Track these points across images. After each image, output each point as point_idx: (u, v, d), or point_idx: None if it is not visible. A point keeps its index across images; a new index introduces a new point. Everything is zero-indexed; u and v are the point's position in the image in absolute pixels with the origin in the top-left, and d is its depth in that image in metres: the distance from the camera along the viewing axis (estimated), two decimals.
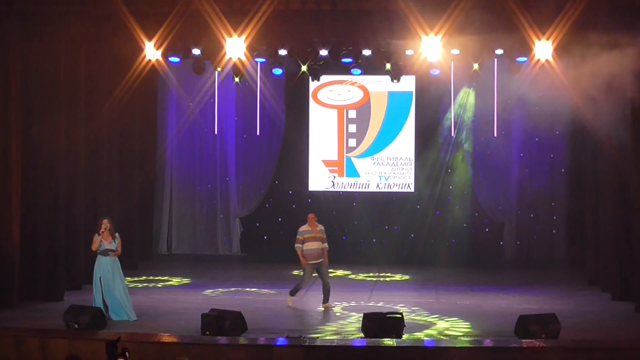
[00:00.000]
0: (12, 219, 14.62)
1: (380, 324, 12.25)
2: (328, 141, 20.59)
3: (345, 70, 16.62)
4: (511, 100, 19.07)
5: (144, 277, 17.61)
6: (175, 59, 15.51)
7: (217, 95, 19.53)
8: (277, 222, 21.13)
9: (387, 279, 17.92)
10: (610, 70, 13.83)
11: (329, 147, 20.59)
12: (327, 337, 12.33)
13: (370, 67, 16.65)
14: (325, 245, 14.77)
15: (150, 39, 14.62)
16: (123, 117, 17.84)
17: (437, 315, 14.09)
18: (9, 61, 14.59)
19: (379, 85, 20.08)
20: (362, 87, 20.39)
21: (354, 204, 20.49)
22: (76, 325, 12.38)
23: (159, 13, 14.32)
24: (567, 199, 20.04)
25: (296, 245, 14.73)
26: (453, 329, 13.23)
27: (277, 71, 16.65)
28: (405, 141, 20.41)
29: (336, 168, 20.59)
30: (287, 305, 14.58)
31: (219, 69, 16.31)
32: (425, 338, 12.47)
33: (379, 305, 14.77)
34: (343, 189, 20.60)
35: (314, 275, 14.77)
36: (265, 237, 21.21)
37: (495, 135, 18.96)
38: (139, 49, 14.82)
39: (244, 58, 15.05)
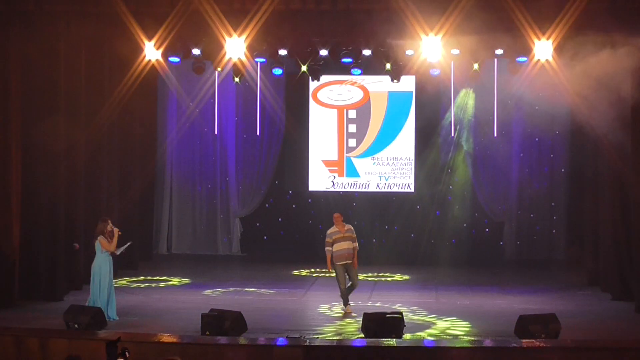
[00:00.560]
0: (12, 219, 14.62)
1: (380, 324, 12.25)
2: (328, 141, 20.59)
3: (345, 70, 16.62)
4: (511, 100, 19.07)
5: (144, 277, 17.62)
6: (175, 59, 15.52)
7: (217, 95, 19.55)
8: (277, 222, 21.15)
9: (387, 279, 17.93)
10: (610, 70, 13.83)
11: (329, 147, 20.59)
12: (327, 337, 12.34)
13: (370, 67, 16.66)
14: (355, 244, 14.42)
15: (150, 39, 14.62)
16: (123, 117, 17.83)
17: (437, 315, 14.09)
18: (9, 61, 14.59)
19: (379, 85, 20.08)
20: (362, 87, 20.40)
21: (354, 204, 20.49)
22: (76, 325, 12.38)
23: (159, 13, 14.31)
24: (567, 199, 20.04)
25: (326, 248, 14.41)
26: (453, 329, 13.24)
27: (277, 71, 16.67)
28: (405, 141, 20.42)
29: (336, 168, 20.59)
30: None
31: (219, 69, 16.32)
32: (425, 338, 12.48)
33: (379, 305, 14.76)
34: (343, 189, 20.61)
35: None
36: (265, 237, 21.22)
37: (495, 135, 18.97)
38: (139, 49, 14.82)
39: (244, 58, 15.06)
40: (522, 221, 20.52)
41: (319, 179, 20.64)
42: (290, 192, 21.19)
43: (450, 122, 19.54)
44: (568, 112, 17.33)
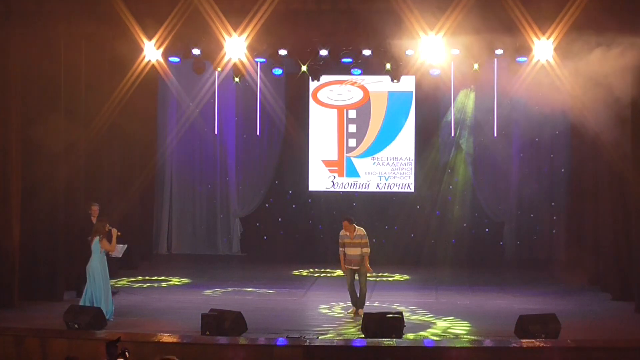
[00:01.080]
0: (12, 219, 14.62)
1: (380, 324, 12.25)
2: (328, 141, 20.59)
3: (345, 70, 16.63)
4: (511, 100, 19.08)
5: (144, 277, 17.62)
6: (175, 59, 15.53)
7: (217, 95, 19.54)
8: (277, 222, 21.15)
9: (387, 279, 17.92)
10: (610, 70, 13.83)
11: (329, 147, 20.59)
12: (327, 337, 12.34)
13: (370, 67, 16.65)
14: (365, 250, 14.13)
15: (150, 39, 14.62)
16: (123, 117, 17.82)
17: (437, 315, 14.09)
18: (9, 61, 14.58)
19: (379, 85, 20.08)
20: (362, 87, 20.40)
21: (354, 204, 20.49)
22: (76, 325, 12.38)
23: (159, 13, 14.31)
24: (567, 198, 20.03)
25: (339, 249, 14.34)
26: (453, 328, 13.24)
27: (277, 71, 16.68)
28: (405, 141, 20.41)
29: (336, 168, 20.59)
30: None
31: (219, 69, 16.32)
32: (425, 338, 12.48)
33: (379, 305, 14.75)
34: (343, 189, 20.61)
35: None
36: (265, 237, 21.21)
37: (495, 135, 18.97)
38: (139, 49, 14.83)
39: (244, 58, 15.06)
40: (522, 221, 20.52)
41: (319, 179, 20.64)
42: (290, 192, 21.19)
43: (450, 122, 19.54)
44: (568, 112, 17.32)
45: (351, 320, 13.69)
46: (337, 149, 20.58)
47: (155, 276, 17.79)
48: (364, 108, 20.50)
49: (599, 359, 11.31)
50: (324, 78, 18.61)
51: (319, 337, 12.25)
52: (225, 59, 15.13)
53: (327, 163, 20.61)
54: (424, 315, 14.17)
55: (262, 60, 16.03)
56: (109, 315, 13.25)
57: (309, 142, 20.62)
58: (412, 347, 11.63)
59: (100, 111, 16.52)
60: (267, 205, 21.26)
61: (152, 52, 14.81)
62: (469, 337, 12.65)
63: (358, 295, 14.23)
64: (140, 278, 17.54)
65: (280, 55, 15.60)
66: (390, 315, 12.48)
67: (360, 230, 14.23)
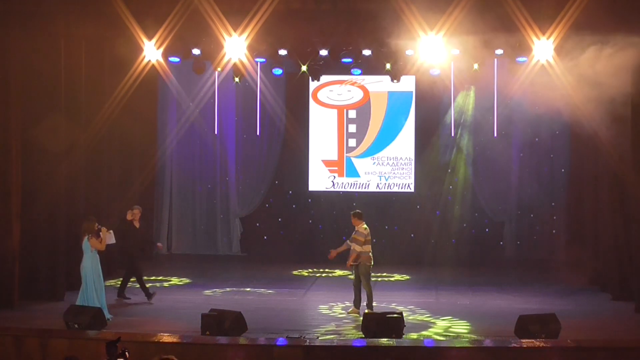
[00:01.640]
0: (12, 219, 14.62)
1: (380, 324, 12.25)
2: (328, 141, 20.59)
3: (345, 70, 16.63)
4: (511, 100, 19.07)
5: (144, 277, 17.57)
6: (175, 59, 15.53)
7: (217, 95, 19.54)
8: (277, 222, 21.14)
9: (387, 279, 17.92)
10: (610, 69, 13.83)
11: (329, 147, 20.59)
12: (327, 337, 12.34)
13: (370, 67, 16.65)
14: (354, 245, 14.20)
15: (150, 39, 14.63)
16: (123, 117, 17.81)
17: (437, 315, 14.09)
18: (9, 61, 14.58)
19: (379, 85, 20.08)
20: (362, 87, 20.39)
21: (354, 204, 20.42)
22: (76, 325, 12.38)
23: (159, 13, 14.31)
24: (567, 199, 20.03)
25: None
26: (453, 328, 13.24)
27: (277, 71, 16.67)
28: (405, 141, 20.41)
29: (336, 168, 20.59)
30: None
31: (219, 69, 16.32)
32: (425, 338, 12.48)
33: (382, 305, 14.74)
34: (343, 189, 20.61)
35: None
36: (265, 237, 21.21)
37: (495, 135, 18.97)
38: (139, 49, 14.83)
39: (244, 58, 15.07)
40: (522, 221, 20.52)
41: (319, 179, 20.64)
42: (290, 192, 21.19)
43: (450, 122, 19.55)
44: (568, 112, 17.31)
45: (351, 320, 13.69)
46: (337, 149, 20.57)
47: (155, 276, 17.78)
48: (364, 108, 20.50)
49: (599, 359, 11.31)
50: (324, 78, 18.59)
51: (319, 337, 12.25)
52: (225, 59, 15.14)
53: (327, 163, 20.61)
54: (423, 315, 14.17)
55: (262, 60, 16.03)
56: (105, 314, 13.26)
57: (309, 142, 20.62)
58: (412, 347, 11.62)
59: (100, 111, 16.53)
60: (267, 205, 21.25)
61: (152, 52, 14.82)
62: (469, 337, 12.65)
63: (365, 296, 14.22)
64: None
65: (280, 55, 15.60)
66: (390, 315, 12.48)
67: (361, 227, 14.24)
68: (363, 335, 12.29)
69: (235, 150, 21.19)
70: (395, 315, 12.49)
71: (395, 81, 16.57)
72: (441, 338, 12.54)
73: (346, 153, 20.56)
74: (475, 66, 15.57)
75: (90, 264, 13.41)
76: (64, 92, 15.36)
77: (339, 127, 20.56)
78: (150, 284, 16.89)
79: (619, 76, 13.97)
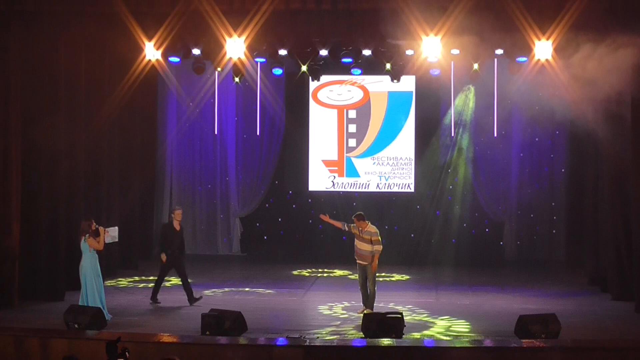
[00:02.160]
0: (12, 219, 14.62)
1: (380, 324, 12.25)
2: (328, 141, 20.59)
3: (345, 70, 16.64)
4: (511, 100, 19.07)
5: (144, 277, 17.61)
6: (175, 59, 15.52)
7: (217, 95, 19.56)
8: (277, 222, 21.15)
9: (387, 279, 17.92)
10: (610, 69, 13.83)
11: (329, 147, 20.59)
12: (327, 337, 12.34)
13: (370, 67, 16.65)
14: (376, 247, 14.05)
15: (150, 39, 14.63)
16: (123, 117, 17.84)
17: (437, 315, 14.09)
18: (9, 62, 14.58)
19: (379, 85, 20.07)
20: (362, 87, 20.39)
21: (354, 204, 20.44)
22: (76, 325, 12.38)
23: (159, 13, 14.31)
24: (567, 198, 20.02)
25: (345, 223, 14.53)
26: (453, 329, 13.24)
27: (277, 71, 16.67)
28: (405, 141, 20.41)
29: (336, 168, 20.59)
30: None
31: (219, 69, 16.32)
32: (425, 338, 12.48)
33: (380, 305, 14.75)
34: (343, 189, 20.60)
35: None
36: (265, 237, 21.21)
37: (495, 135, 18.96)
38: (139, 49, 14.83)
39: (244, 58, 15.06)
40: (522, 221, 20.52)
41: (319, 179, 20.64)
42: (290, 192, 21.18)
43: (450, 122, 19.55)
44: (568, 112, 17.32)
45: (351, 320, 13.69)
46: (337, 149, 20.57)
47: (155, 276, 17.75)
48: (364, 108, 20.50)
49: (599, 359, 11.31)
50: (324, 78, 18.61)
51: (319, 337, 12.25)
52: (225, 59, 15.14)
53: (327, 163, 20.61)
54: (423, 315, 14.17)
55: (262, 60, 16.03)
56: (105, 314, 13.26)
57: (309, 142, 20.61)
58: (412, 347, 11.63)
59: (100, 111, 16.53)
60: (267, 205, 21.25)
61: (152, 52, 14.81)
62: (469, 337, 12.65)
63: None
64: (140, 278, 17.52)
65: (280, 55, 15.60)
66: (390, 315, 12.48)
67: (372, 227, 14.16)
68: (363, 335, 12.29)
69: (235, 150, 21.19)
70: (395, 315, 12.49)
71: (395, 81, 16.57)
72: (441, 338, 12.54)
73: (346, 153, 20.55)
74: (475, 66, 15.57)
75: (89, 264, 13.40)
76: (64, 92, 15.37)
77: (339, 127, 20.56)
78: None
79: (619, 76, 13.96)
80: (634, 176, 14.64)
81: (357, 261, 14.20)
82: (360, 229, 14.13)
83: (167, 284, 17.10)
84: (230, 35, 14.48)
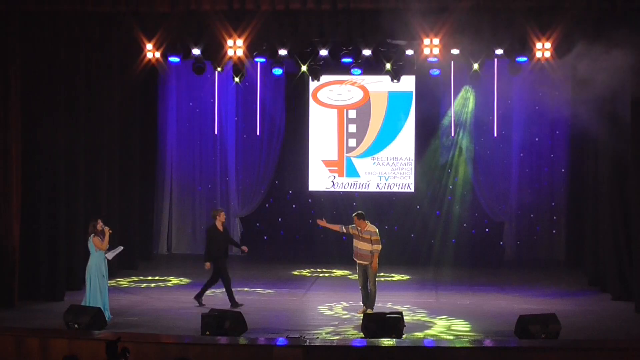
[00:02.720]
0: (12, 219, 14.62)
1: (380, 324, 12.25)
2: (328, 141, 20.58)
3: (345, 70, 16.63)
4: (511, 100, 19.07)
5: (144, 277, 17.61)
6: (175, 59, 15.51)
7: (217, 95, 19.55)
8: (277, 222, 21.14)
9: (387, 279, 17.91)
10: (609, 69, 13.83)
11: (329, 147, 20.58)
12: (327, 337, 12.34)
13: (370, 67, 16.64)
14: (375, 247, 13.99)
15: (150, 39, 14.63)
16: (123, 117, 17.84)
17: (437, 315, 14.09)
18: (9, 61, 14.58)
19: (379, 85, 20.07)
20: (362, 87, 20.38)
21: (354, 204, 20.42)
22: (76, 325, 12.37)
23: (159, 13, 14.31)
24: (567, 199, 20.03)
25: (342, 226, 14.50)
26: (453, 329, 13.24)
27: (277, 71, 16.66)
28: (405, 141, 20.41)
29: (336, 168, 20.58)
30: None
31: (219, 69, 16.32)
32: (425, 338, 12.47)
33: (379, 305, 14.75)
34: (343, 189, 20.60)
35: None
36: (265, 237, 21.20)
37: (495, 135, 18.97)
38: (139, 49, 14.83)
39: (244, 58, 15.05)
40: (522, 221, 20.51)
41: (319, 179, 20.63)
42: (290, 192, 21.18)
43: (450, 122, 19.55)
44: (568, 112, 17.32)
45: (351, 320, 13.68)
46: (337, 149, 20.57)
47: (155, 276, 17.78)
48: (364, 108, 20.50)
49: (599, 359, 11.31)
50: (324, 78, 18.59)
51: (319, 337, 12.25)
52: (225, 59, 15.14)
53: (327, 163, 20.61)
54: (424, 315, 14.17)
55: (262, 60, 16.02)
56: (107, 315, 13.23)
57: (309, 142, 20.60)
58: (412, 347, 11.61)
59: (100, 111, 16.53)
60: (267, 205, 21.25)
61: (152, 52, 14.81)
62: (469, 337, 12.65)
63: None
64: (140, 278, 17.51)
65: (280, 55, 15.60)
66: (390, 315, 12.48)
67: (372, 227, 14.13)
68: (363, 335, 12.29)
69: (235, 150, 21.18)
70: (395, 315, 12.48)
71: (395, 81, 16.58)
72: (441, 338, 12.54)
73: (346, 153, 20.55)
74: (475, 66, 15.57)
75: (94, 264, 13.39)
76: (64, 92, 15.37)
77: (339, 127, 20.56)
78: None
79: (619, 76, 13.97)
80: (634, 176, 14.64)
81: (357, 261, 14.18)
82: (359, 228, 14.12)
83: (168, 284, 17.14)
84: (230, 35, 14.48)
